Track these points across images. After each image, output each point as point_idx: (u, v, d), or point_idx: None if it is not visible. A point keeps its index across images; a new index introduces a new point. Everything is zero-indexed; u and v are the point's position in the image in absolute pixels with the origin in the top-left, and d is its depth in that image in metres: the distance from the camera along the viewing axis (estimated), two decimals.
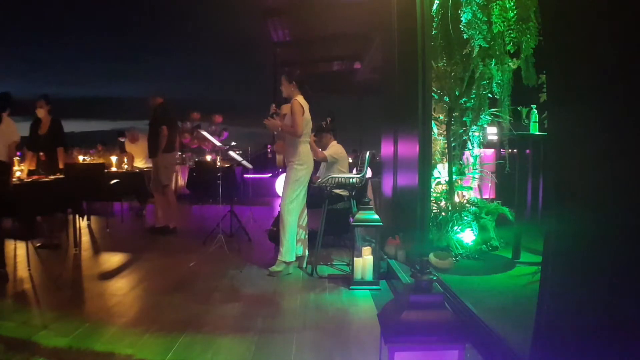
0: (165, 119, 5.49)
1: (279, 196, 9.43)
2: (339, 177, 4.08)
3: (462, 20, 3.46)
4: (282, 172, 7.42)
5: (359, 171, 4.51)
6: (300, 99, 3.87)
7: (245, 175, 7.88)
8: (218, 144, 5.19)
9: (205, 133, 5.62)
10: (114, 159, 7.41)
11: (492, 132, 4.51)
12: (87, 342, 2.34)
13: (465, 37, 3.51)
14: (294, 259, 3.85)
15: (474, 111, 3.90)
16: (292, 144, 3.89)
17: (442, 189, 4.05)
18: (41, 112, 5.34)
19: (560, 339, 1.51)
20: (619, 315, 1.34)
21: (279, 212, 4.71)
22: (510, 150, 4.26)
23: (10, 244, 4.28)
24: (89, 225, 6.08)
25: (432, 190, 3.83)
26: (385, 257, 3.83)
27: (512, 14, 3.30)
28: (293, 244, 3.83)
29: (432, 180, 3.94)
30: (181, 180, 9.26)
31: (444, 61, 3.81)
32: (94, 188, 5.32)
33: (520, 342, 1.77)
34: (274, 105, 4.06)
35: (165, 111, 5.54)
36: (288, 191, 3.87)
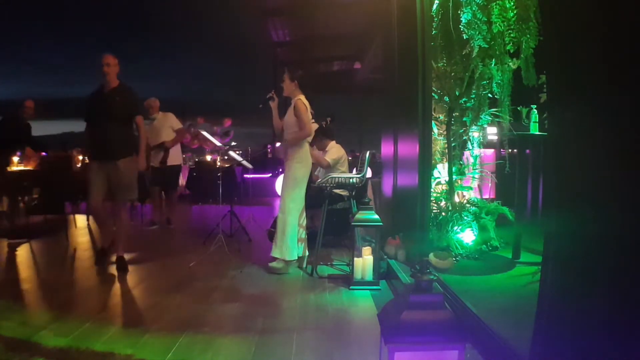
0: None
1: (279, 196, 9.44)
2: (339, 177, 4.08)
3: (462, 21, 3.46)
4: (282, 172, 7.42)
5: (359, 171, 4.51)
6: (303, 98, 3.87)
7: (245, 175, 7.86)
8: (218, 144, 5.18)
9: (205, 133, 5.60)
10: None
11: (492, 132, 4.51)
12: (87, 342, 2.33)
13: (465, 37, 3.51)
14: (295, 257, 3.85)
15: (474, 111, 3.90)
16: (294, 143, 3.89)
17: (442, 189, 4.05)
18: None
19: (560, 339, 1.51)
20: (619, 315, 1.34)
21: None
22: (510, 150, 4.26)
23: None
24: (88, 226, 6.08)
25: (432, 190, 3.83)
26: (385, 257, 3.82)
27: (512, 14, 3.30)
28: (294, 243, 3.83)
29: (432, 180, 3.94)
30: (181, 180, 9.26)
31: (444, 61, 3.81)
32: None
33: (520, 342, 1.76)
34: (273, 91, 4.05)
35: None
36: (287, 190, 3.88)
